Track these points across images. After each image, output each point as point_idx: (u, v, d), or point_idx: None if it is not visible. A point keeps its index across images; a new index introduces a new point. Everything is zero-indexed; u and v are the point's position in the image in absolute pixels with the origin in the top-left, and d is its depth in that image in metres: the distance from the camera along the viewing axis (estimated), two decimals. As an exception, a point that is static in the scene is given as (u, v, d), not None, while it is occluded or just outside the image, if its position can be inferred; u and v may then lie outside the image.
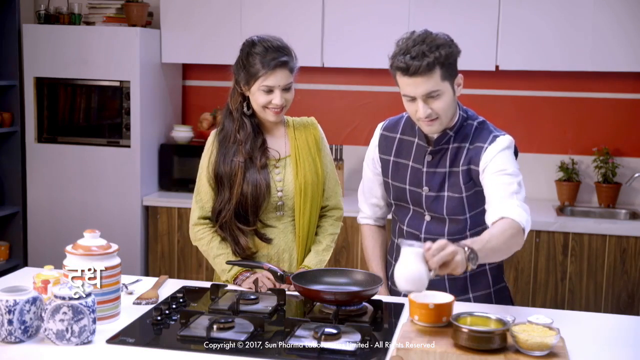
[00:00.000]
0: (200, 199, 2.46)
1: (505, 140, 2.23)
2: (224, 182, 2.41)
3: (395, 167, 2.37)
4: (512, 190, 2.15)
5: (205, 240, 2.46)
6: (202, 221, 2.47)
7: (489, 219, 2.15)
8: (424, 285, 1.88)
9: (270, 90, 2.34)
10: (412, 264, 1.87)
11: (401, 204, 2.39)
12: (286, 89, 2.37)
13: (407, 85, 2.15)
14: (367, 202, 2.50)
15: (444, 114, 2.18)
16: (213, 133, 2.49)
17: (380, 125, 2.45)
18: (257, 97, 2.36)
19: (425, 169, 2.30)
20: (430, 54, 2.10)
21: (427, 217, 2.33)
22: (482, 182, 2.22)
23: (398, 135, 2.39)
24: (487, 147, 2.21)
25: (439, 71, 2.12)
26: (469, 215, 2.29)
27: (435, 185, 2.29)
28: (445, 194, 2.28)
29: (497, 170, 2.18)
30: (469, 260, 1.90)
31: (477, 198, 2.27)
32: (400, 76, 2.16)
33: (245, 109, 2.42)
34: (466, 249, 1.90)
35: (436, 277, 1.90)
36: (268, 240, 2.44)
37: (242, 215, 2.41)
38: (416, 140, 2.33)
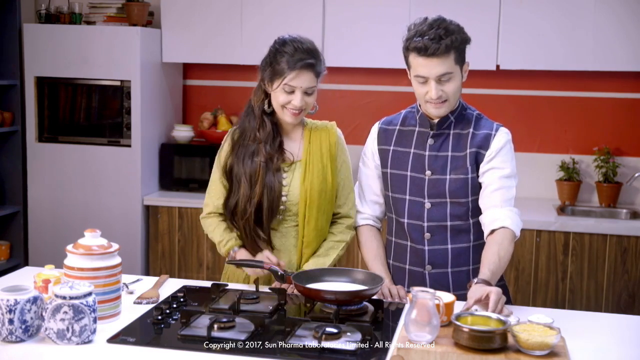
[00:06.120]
0: (212, 196, 2.47)
1: (508, 132, 2.36)
2: (241, 180, 2.39)
3: (395, 156, 2.41)
4: (510, 196, 2.30)
5: (211, 228, 2.48)
6: (212, 215, 2.48)
7: (487, 219, 2.28)
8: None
9: (291, 91, 2.32)
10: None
11: (398, 196, 2.40)
12: (308, 92, 2.34)
13: (422, 67, 2.24)
14: (367, 200, 2.50)
15: (452, 97, 2.29)
16: (230, 131, 2.48)
17: (377, 124, 2.51)
18: (278, 95, 2.34)
19: (427, 153, 2.36)
20: (446, 37, 2.22)
21: (428, 205, 2.35)
22: (483, 172, 2.32)
23: (397, 127, 2.45)
24: (495, 134, 2.32)
25: (453, 55, 2.23)
26: (471, 199, 2.34)
27: (438, 168, 2.34)
28: (448, 176, 2.33)
29: (501, 169, 2.30)
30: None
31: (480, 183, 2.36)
32: (415, 57, 2.25)
33: (266, 107, 2.39)
34: (492, 285, 2.10)
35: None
36: (270, 243, 2.42)
37: (258, 218, 2.39)
38: (417, 128, 2.40)
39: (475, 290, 2.03)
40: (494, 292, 2.01)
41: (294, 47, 2.32)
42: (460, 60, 2.27)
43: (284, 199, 2.40)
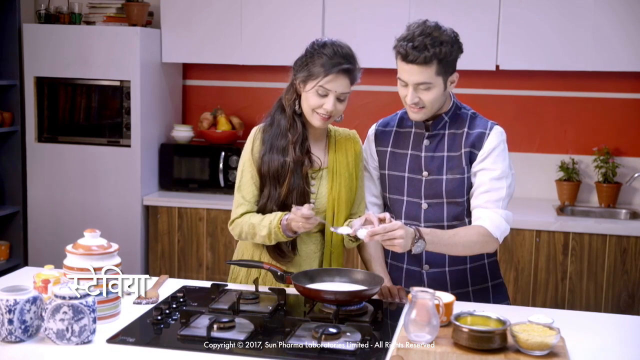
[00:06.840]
0: (244, 196, 2.36)
1: (502, 131, 2.34)
2: (270, 179, 2.33)
3: (392, 157, 2.42)
4: (499, 197, 2.28)
5: (252, 220, 2.33)
6: (245, 214, 2.36)
7: (472, 218, 2.31)
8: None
9: (325, 94, 2.27)
10: None
11: (396, 197, 2.41)
12: (341, 98, 2.30)
13: (403, 71, 2.25)
14: (367, 202, 2.50)
15: (430, 105, 2.27)
16: (256, 128, 2.41)
17: (373, 126, 2.52)
18: (310, 98, 2.29)
19: (424, 154, 2.36)
20: (431, 48, 2.19)
21: (424, 205, 2.36)
22: (474, 172, 2.32)
23: (394, 129, 2.45)
24: (489, 134, 2.31)
25: (435, 66, 2.21)
26: (467, 198, 2.35)
27: (435, 169, 2.34)
28: (444, 177, 2.33)
29: (492, 171, 2.29)
30: (412, 245, 2.11)
31: None
32: (399, 60, 2.26)
33: (296, 107, 2.34)
34: (416, 236, 2.10)
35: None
36: (294, 250, 2.37)
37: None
38: (413, 129, 2.40)
39: (393, 222, 2.08)
40: (398, 225, 2.05)
41: (333, 50, 2.28)
42: (444, 72, 2.23)
43: (311, 206, 2.32)
